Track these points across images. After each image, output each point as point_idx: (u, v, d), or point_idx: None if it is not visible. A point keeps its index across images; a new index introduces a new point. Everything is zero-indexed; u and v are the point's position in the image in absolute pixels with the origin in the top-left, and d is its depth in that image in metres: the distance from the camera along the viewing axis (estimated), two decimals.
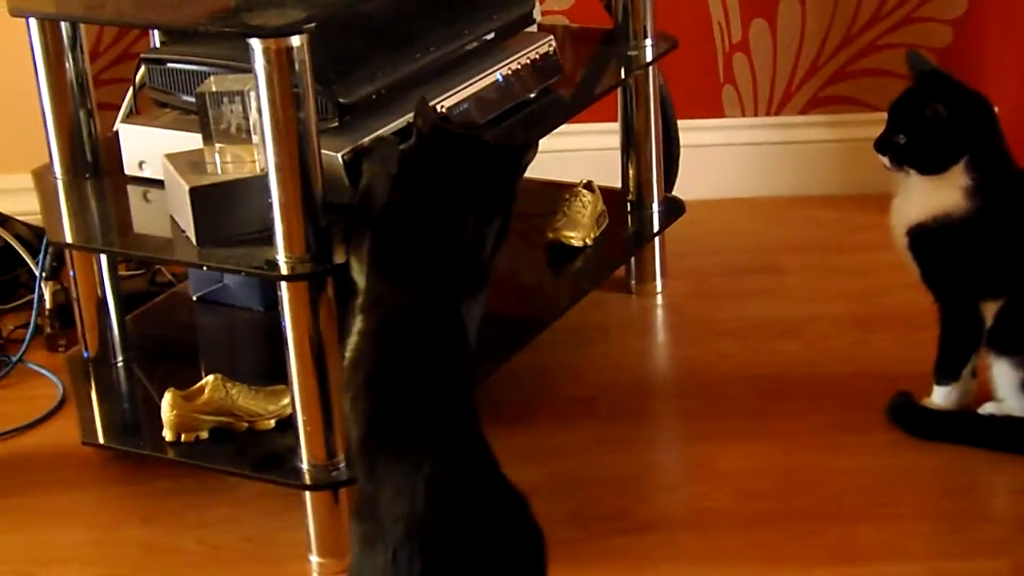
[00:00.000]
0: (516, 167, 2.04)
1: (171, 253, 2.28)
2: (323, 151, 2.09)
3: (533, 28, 2.61)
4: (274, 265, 2.10)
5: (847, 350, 2.67)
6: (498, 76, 2.46)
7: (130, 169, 2.41)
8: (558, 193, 2.81)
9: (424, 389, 1.92)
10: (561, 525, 2.21)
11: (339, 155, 2.17)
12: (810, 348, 2.69)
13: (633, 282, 2.90)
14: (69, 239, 2.33)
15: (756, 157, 3.21)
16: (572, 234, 2.73)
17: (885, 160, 2.33)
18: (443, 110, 2.32)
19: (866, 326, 2.73)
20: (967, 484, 2.32)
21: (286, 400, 2.29)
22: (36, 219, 2.62)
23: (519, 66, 2.50)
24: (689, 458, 2.47)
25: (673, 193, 2.92)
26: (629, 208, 2.87)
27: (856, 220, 3.06)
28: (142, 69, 2.44)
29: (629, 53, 2.75)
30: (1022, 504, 2.29)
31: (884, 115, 2.35)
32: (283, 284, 2.10)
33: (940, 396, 2.41)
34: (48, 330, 2.77)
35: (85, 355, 2.56)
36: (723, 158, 3.21)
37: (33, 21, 2.38)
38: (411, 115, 2.19)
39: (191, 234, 2.20)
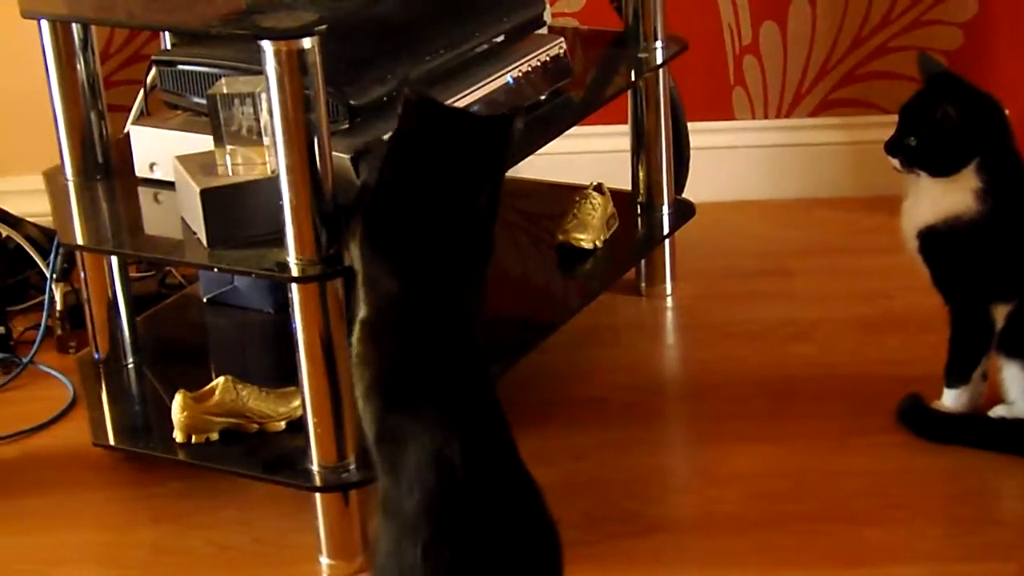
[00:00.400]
0: (505, 136, 1.99)
1: (182, 255, 2.28)
2: (334, 153, 2.10)
3: (543, 30, 2.62)
4: (285, 267, 2.10)
5: (857, 352, 2.67)
6: (508, 78, 2.46)
7: (141, 171, 2.41)
8: (568, 195, 2.81)
9: (435, 376, 1.90)
10: (572, 527, 2.19)
11: (350, 157, 2.17)
12: (820, 350, 2.69)
13: (643, 284, 2.90)
14: (80, 241, 2.34)
15: (766, 159, 3.21)
16: (582, 236, 2.74)
17: (896, 162, 2.33)
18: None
19: (876, 328, 2.73)
20: (977, 487, 2.32)
21: (296, 402, 2.29)
22: (47, 221, 2.63)
23: (529, 68, 2.50)
24: (699, 460, 2.47)
25: (683, 195, 2.92)
26: (639, 210, 2.87)
27: (866, 222, 3.06)
28: (153, 71, 2.44)
29: (639, 55, 2.75)
30: None
31: (894, 117, 2.35)
32: (293, 286, 2.10)
33: (950, 399, 2.41)
34: (59, 332, 2.77)
35: (96, 357, 2.57)
36: (733, 160, 3.21)
37: (45, 23, 2.38)
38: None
39: (202, 236, 2.20)
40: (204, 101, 2.26)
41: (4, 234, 2.88)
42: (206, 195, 2.18)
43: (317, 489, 2.18)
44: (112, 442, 2.43)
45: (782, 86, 3.18)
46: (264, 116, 2.17)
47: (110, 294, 2.52)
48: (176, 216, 2.29)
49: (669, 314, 2.87)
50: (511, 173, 2.55)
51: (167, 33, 2.63)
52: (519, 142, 2.40)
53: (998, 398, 2.39)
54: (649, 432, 2.51)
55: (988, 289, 2.34)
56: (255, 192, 2.19)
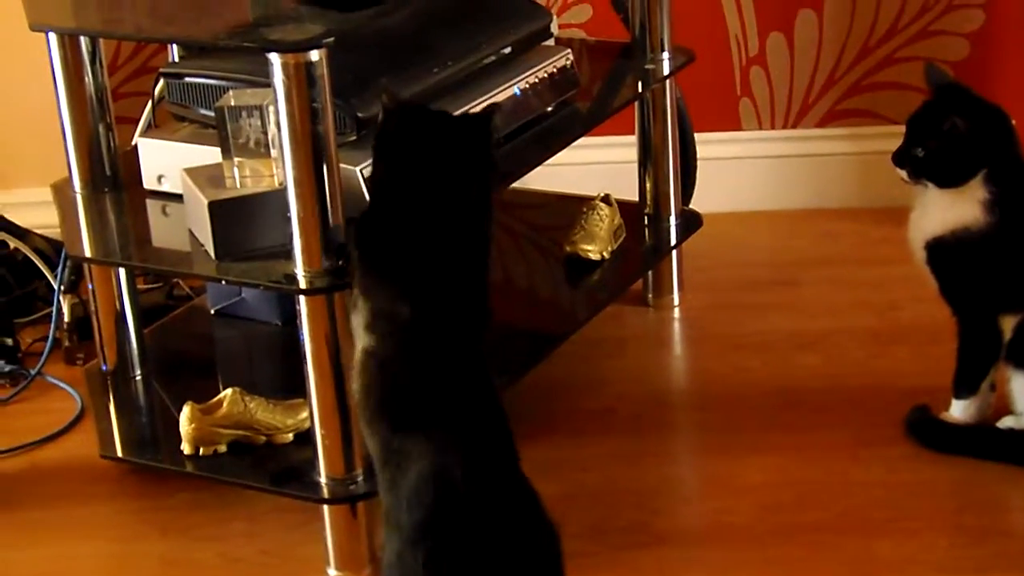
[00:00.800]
0: (486, 133, 1.97)
1: (190, 267, 2.28)
2: (341, 165, 2.10)
3: (550, 42, 2.62)
4: (292, 279, 2.10)
5: (865, 364, 2.67)
6: (516, 90, 2.46)
7: (149, 183, 2.42)
8: (575, 206, 2.81)
9: (442, 397, 1.90)
10: (579, 538, 2.21)
11: (357, 169, 2.17)
12: (828, 361, 2.68)
13: (650, 295, 2.90)
14: (88, 253, 2.34)
15: (773, 170, 3.21)
16: (589, 247, 2.74)
17: (903, 173, 2.33)
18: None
19: (884, 339, 2.72)
20: (985, 498, 2.32)
21: (304, 414, 2.29)
22: (55, 232, 2.64)
23: (536, 80, 2.51)
24: (707, 471, 2.46)
25: (690, 206, 2.92)
26: (646, 221, 2.87)
27: (873, 233, 3.06)
28: (160, 83, 2.45)
29: (646, 66, 2.75)
30: None
31: (901, 128, 2.35)
32: (301, 298, 2.10)
33: (958, 410, 2.41)
34: (66, 343, 2.78)
35: (103, 368, 2.57)
36: (740, 171, 3.21)
37: (53, 36, 2.39)
38: None
39: (210, 248, 2.21)
40: (212, 113, 2.27)
41: (12, 246, 2.89)
42: (214, 207, 2.18)
43: (325, 501, 2.18)
44: (120, 454, 2.43)
45: (789, 97, 3.18)
46: (272, 128, 2.18)
47: (118, 306, 2.53)
48: (184, 228, 2.30)
49: (676, 325, 2.87)
50: (519, 184, 2.58)
51: (175, 45, 2.64)
52: (528, 153, 2.44)
53: (1006, 409, 2.39)
54: (656, 443, 2.51)
55: (996, 300, 2.33)
56: (263, 204, 2.19)
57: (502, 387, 2.29)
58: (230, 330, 2.70)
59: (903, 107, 2.40)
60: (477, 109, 2.36)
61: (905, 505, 2.30)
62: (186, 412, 2.32)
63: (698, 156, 2.93)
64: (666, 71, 2.74)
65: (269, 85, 2.03)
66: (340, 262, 2.06)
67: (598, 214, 2.78)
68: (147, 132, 2.48)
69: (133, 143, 2.48)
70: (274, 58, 2.00)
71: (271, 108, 2.12)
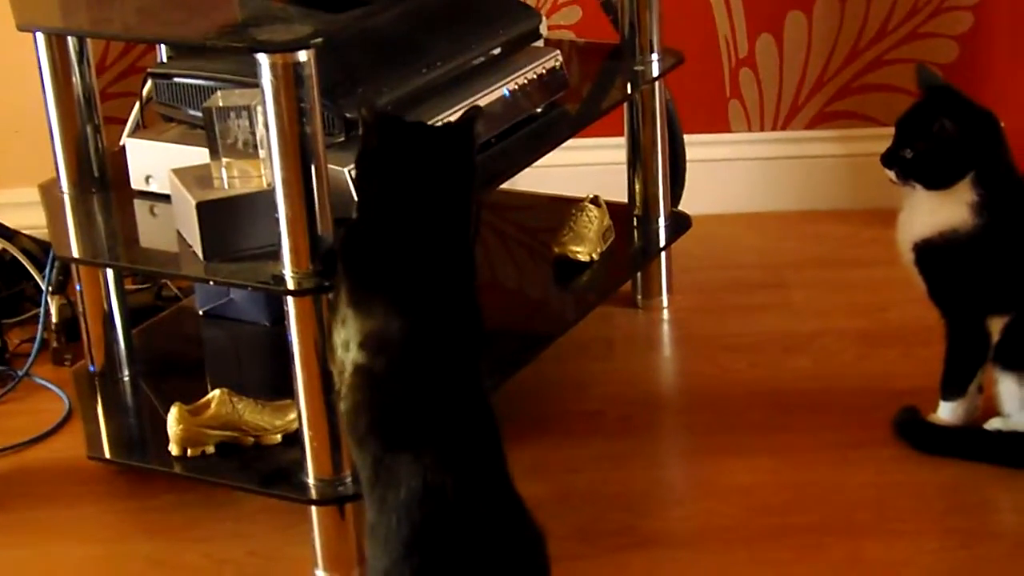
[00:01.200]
0: (468, 141, 1.97)
1: (178, 268, 2.28)
2: (330, 166, 2.10)
3: (540, 43, 2.62)
4: (281, 280, 2.10)
5: (854, 365, 2.67)
6: (505, 91, 2.46)
7: (137, 183, 2.41)
8: (564, 208, 2.81)
9: (434, 414, 1.89)
10: (568, 540, 2.21)
11: (346, 170, 2.17)
12: (817, 363, 2.68)
13: (639, 297, 2.90)
14: (75, 253, 2.34)
15: (762, 172, 3.21)
16: (578, 249, 2.73)
17: (892, 174, 2.33)
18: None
19: (873, 341, 2.73)
20: (974, 500, 2.32)
21: (292, 415, 2.29)
22: (42, 233, 2.63)
23: (526, 81, 2.50)
24: (696, 473, 2.46)
25: (679, 208, 2.92)
26: (635, 223, 2.87)
27: (863, 235, 3.06)
28: (149, 83, 2.44)
29: (635, 68, 2.75)
30: None
31: (890, 130, 2.35)
32: (290, 299, 2.10)
33: (946, 411, 2.41)
34: (54, 344, 2.77)
35: (91, 369, 2.56)
36: (729, 173, 3.21)
37: (40, 36, 2.38)
38: None
39: (198, 249, 2.20)
40: (200, 114, 2.26)
41: (0, 247, 2.88)
42: (202, 208, 2.18)
43: (313, 502, 2.18)
44: (107, 455, 2.42)
45: (778, 98, 3.18)
46: (260, 129, 2.17)
47: (106, 307, 2.52)
48: (172, 229, 2.29)
49: (665, 327, 2.87)
50: (507, 185, 2.58)
51: (163, 46, 2.63)
52: (517, 154, 2.44)
53: (994, 411, 2.39)
54: (645, 445, 2.51)
55: (984, 302, 2.34)
56: (251, 205, 2.19)
57: (491, 388, 2.30)
58: (218, 331, 2.70)
59: (892, 109, 2.41)
60: (465, 110, 2.36)
61: (894, 507, 2.30)
62: (174, 413, 2.31)
63: (687, 158, 2.93)
64: (655, 73, 2.74)
65: (257, 85, 2.03)
66: (327, 269, 2.05)
67: (587, 216, 2.78)
68: (135, 132, 2.48)
69: (121, 143, 2.47)
70: (262, 58, 2.00)
71: (259, 108, 2.12)
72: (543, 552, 1.90)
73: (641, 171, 2.84)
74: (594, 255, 2.75)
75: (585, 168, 3.09)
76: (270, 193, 2.09)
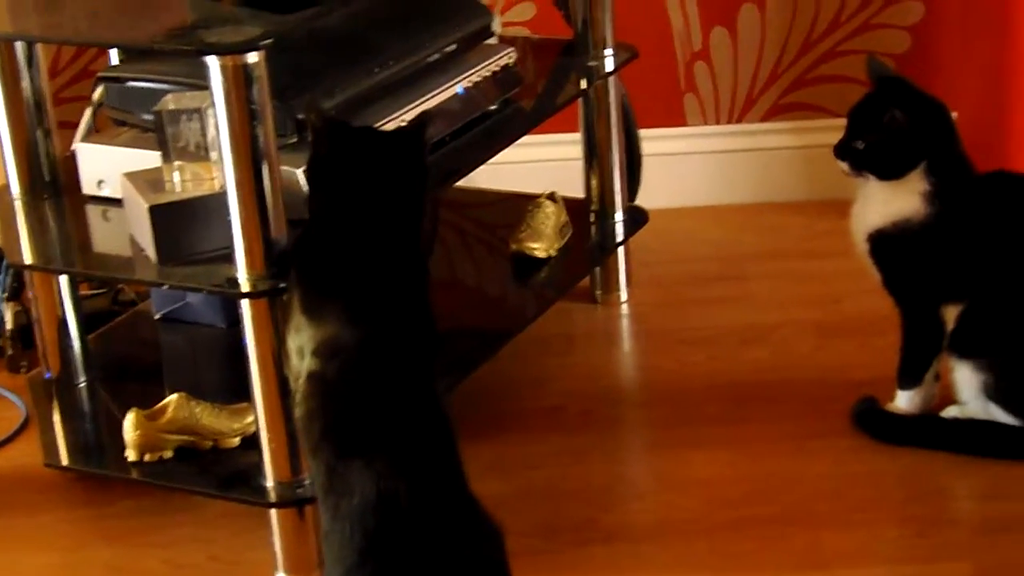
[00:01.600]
0: (419, 146, 1.97)
1: (132, 272, 2.27)
2: (283, 167, 2.09)
3: (494, 40, 2.61)
4: (235, 283, 2.09)
5: (811, 356, 2.68)
6: (459, 88, 2.46)
7: (89, 188, 2.39)
8: (521, 204, 2.81)
9: (388, 420, 1.88)
10: (529, 537, 2.21)
11: (299, 171, 2.16)
12: (775, 355, 2.69)
13: (598, 292, 2.90)
14: (28, 260, 2.32)
15: (719, 165, 3.22)
16: (536, 245, 2.73)
17: (844, 166, 2.34)
18: (404, 124, 2.31)
19: (830, 332, 2.74)
20: (931, 488, 2.33)
21: (250, 418, 2.27)
22: None
23: (480, 78, 2.50)
24: (656, 467, 2.47)
25: (636, 202, 2.93)
26: (593, 218, 2.87)
27: (819, 226, 3.07)
28: (100, 88, 2.43)
29: (589, 64, 2.75)
30: (986, 507, 2.29)
31: (845, 121, 2.36)
32: (244, 302, 2.09)
33: (904, 400, 2.42)
34: (9, 351, 2.75)
35: (47, 376, 2.55)
36: (686, 166, 3.21)
37: None
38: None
39: (151, 253, 2.19)
40: (152, 117, 2.25)
41: None
42: (155, 212, 2.17)
43: (272, 505, 2.17)
44: (65, 462, 2.41)
45: (733, 91, 3.19)
46: (211, 131, 2.16)
47: (60, 313, 2.51)
48: (125, 233, 2.28)
49: (624, 321, 2.87)
50: (464, 183, 2.58)
51: (114, 50, 2.62)
52: (472, 152, 2.44)
53: (951, 399, 2.40)
54: (606, 440, 2.51)
55: (938, 291, 2.35)
56: (204, 208, 2.18)
57: (449, 387, 2.30)
58: (175, 335, 2.68)
59: (846, 100, 2.41)
60: (420, 109, 2.36)
61: (853, 496, 2.31)
62: (131, 418, 2.30)
63: (643, 152, 2.94)
64: (609, 68, 2.74)
65: (208, 88, 2.02)
66: (282, 271, 2.04)
67: (544, 212, 2.77)
68: (87, 137, 2.46)
69: (73, 148, 2.46)
70: (211, 61, 1.99)
71: (210, 111, 2.11)
72: (500, 551, 1.89)
73: (597, 166, 2.84)
74: (552, 251, 2.75)
75: (541, 164, 3.09)
76: (223, 196, 2.07)
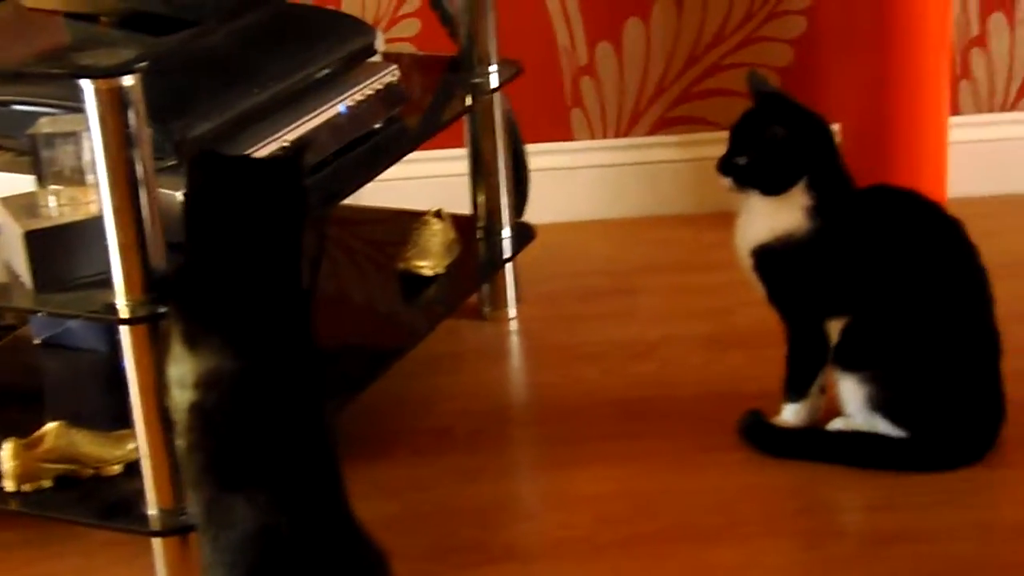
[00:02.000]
0: (296, 174, 1.95)
1: (8, 300, 2.22)
2: (162, 190, 2.06)
3: (377, 58, 2.60)
4: (113, 309, 2.05)
5: (700, 370, 2.69)
6: (342, 107, 2.44)
7: None
8: (407, 222, 2.79)
9: (268, 453, 1.87)
10: (419, 560, 2.19)
11: (178, 194, 2.13)
12: (664, 369, 2.70)
13: (487, 309, 2.89)
14: None
15: (606, 179, 3.23)
16: (423, 263, 2.72)
17: (727, 182, 2.35)
18: (286, 144, 2.29)
19: (718, 345, 2.75)
20: (819, 500, 2.35)
21: (133, 444, 2.23)
22: None
23: (363, 97, 2.48)
24: (546, 485, 2.46)
25: (524, 218, 2.92)
26: (480, 235, 2.86)
27: (707, 238, 3.09)
28: None
29: (474, 80, 2.74)
30: (873, 518, 2.31)
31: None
32: (124, 328, 2.05)
33: (790, 413, 2.44)
34: None
35: None
36: (573, 181, 3.22)
37: None
38: (251, 149, 2.16)
39: (27, 279, 2.14)
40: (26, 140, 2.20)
41: None
42: (30, 237, 2.12)
43: (155, 534, 2.13)
44: None
45: (620, 105, 3.20)
46: (87, 155, 2.12)
47: None
48: (1, 259, 2.23)
49: (514, 338, 2.87)
50: (350, 200, 2.56)
51: None
52: (357, 170, 2.42)
53: (837, 411, 2.42)
54: (495, 459, 2.50)
55: (822, 305, 2.37)
56: (81, 233, 2.14)
57: (339, 406, 2.28)
58: (55, 361, 2.63)
59: (732, 113, 2.42)
60: (302, 129, 2.33)
61: (741, 510, 2.32)
62: (8, 448, 2.25)
63: (530, 167, 2.94)
64: (494, 84, 2.74)
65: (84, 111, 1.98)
66: (162, 296, 2.01)
67: (431, 229, 2.76)
68: None
69: None
70: (85, 84, 1.95)
71: (86, 134, 2.07)
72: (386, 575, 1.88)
73: (484, 183, 2.83)
74: (439, 269, 2.73)
75: (428, 181, 3.07)
76: (100, 220, 2.04)
